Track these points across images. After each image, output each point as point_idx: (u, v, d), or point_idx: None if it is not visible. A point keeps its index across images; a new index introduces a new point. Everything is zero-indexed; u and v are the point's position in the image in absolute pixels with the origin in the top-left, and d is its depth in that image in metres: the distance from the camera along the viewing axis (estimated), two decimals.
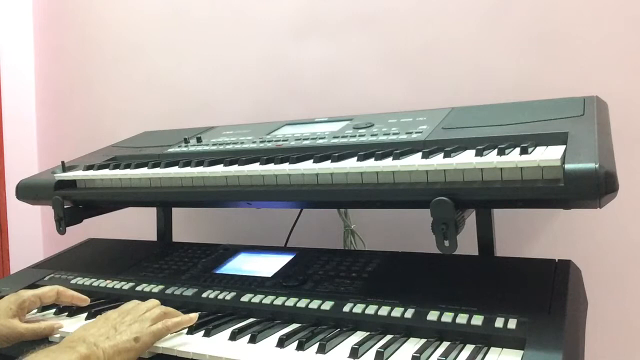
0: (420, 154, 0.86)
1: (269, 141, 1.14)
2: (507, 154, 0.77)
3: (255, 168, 0.94)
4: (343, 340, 0.80)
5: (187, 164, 1.05)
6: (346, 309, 0.87)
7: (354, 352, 0.74)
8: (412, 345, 0.77)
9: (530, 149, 0.79)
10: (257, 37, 1.61)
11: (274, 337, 0.81)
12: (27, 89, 1.96)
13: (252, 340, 0.81)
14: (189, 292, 1.02)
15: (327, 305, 0.89)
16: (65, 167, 1.24)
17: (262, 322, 0.89)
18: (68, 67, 1.97)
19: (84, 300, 1.02)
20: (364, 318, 0.84)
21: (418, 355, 0.71)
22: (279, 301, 0.93)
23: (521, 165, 0.74)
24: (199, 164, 1.04)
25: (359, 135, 1.06)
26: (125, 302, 0.93)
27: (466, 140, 0.91)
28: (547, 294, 0.82)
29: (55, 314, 1.03)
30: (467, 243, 0.93)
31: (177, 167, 1.06)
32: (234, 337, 0.83)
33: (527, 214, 1.27)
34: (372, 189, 0.85)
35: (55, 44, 1.98)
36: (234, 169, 0.96)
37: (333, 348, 0.77)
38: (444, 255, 0.85)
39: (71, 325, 0.95)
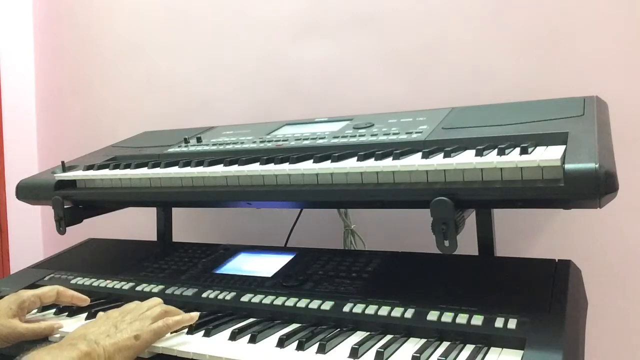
0: (420, 154, 0.86)
1: (269, 141, 1.14)
2: (507, 154, 0.77)
3: (255, 168, 0.94)
4: (343, 340, 0.80)
5: (187, 164, 1.05)
6: (346, 309, 0.87)
7: (354, 352, 0.74)
8: (412, 345, 0.77)
9: (530, 149, 0.79)
10: (257, 37, 1.61)
11: (274, 337, 0.81)
12: (27, 89, 1.96)
13: (252, 340, 0.81)
14: (189, 292, 1.02)
15: (327, 305, 0.89)
16: (65, 167, 1.24)
17: (262, 322, 0.89)
18: (68, 67, 1.97)
19: (84, 300, 1.02)
20: (364, 318, 0.84)
21: (418, 355, 0.71)
22: (279, 301, 0.93)
23: (521, 165, 0.74)
24: (199, 164, 1.04)
25: (359, 135, 1.06)
26: (125, 302, 0.94)
27: (466, 140, 0.91)
28: (547, 294, 0.82)
29: (55, 314, 1.03)
30: (467, 243, 0.93)
31: (177, 167, 1.06)
32: (234, 337, 0.83)
33: (527, 214, 1.27)
34: (372, 189, 0.85)
35: (55, 44, 1.98)
36: (234, 169, 0.96)
37: (333, 348, 0.77)
38: (444, 255, 0.85)
39: (71, 325, 0.94)
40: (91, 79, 1.92)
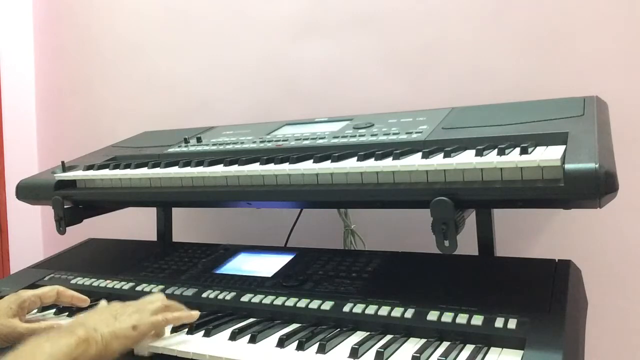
0: (420, 154, 0.86)
1: (269, 141, 1.14)
2: (507, 154, 0.77)
3: (255, 168, 0.94)
4: (343, 340, 0.80)
5: (187, 164, 1.05)
6: (346, 309, 0.87)
7: (354, 352, 0.74)
8: (412, 345, 0.77)
9: (530, 149, 0.79)
10: (257, 37, 1.61)
11: (274, 337, 0.81)
12: (27, 89, 1.96)
13: (252, 340, 0.81)
14: (189, 292, 1.02)
15: (327, 305, 0.89)
16: (65, 167, 1.24)
17: (262, 322, 0.89)
18: (68, 67, 1.97)
19: (84, 300, 1.02)
20: (364, 318, 0.84)
21: (418, 355, 0.71)
22: (279, 301, 0.93)
23: (521, 165, 0.74)
24: (199, 164, 1.04)
25: (359, 135, 1.06)
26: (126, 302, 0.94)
27: (466, 140, 0.91)
28: (547, 294, 0.82)
29: (55, 314, 1.03)
30: (467, 243, 0.92)
31: (177, 167, 1.06)
32: (234, 337, 0.83)
33: (527, 214, 1.27)
34: (372, 189, 0.85)
35: (55, 44, 1.98)
36: (234, 169, 0.96)
37: (333, 348, 0.77)
38: (444, 255, 0.85)
39: None
40: (91, 79, 1.92)
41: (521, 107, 1.05)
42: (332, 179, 0.89)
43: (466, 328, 0.77)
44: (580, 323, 0.81)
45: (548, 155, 0.75)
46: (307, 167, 0.90)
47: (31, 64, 1.96)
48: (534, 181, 0.73)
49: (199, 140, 1.27)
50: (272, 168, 0.92)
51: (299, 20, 1.54)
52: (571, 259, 0.93)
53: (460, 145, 0.88)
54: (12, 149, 1.97)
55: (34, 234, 1.93)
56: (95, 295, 1.07)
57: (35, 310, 1.03)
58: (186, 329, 0.87)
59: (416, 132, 1.00)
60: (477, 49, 1.33)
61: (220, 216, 1.66)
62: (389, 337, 0.80)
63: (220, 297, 0.98)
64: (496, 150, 0.79)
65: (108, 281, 1.13)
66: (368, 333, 0.81)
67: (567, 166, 0.70)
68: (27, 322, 0.94)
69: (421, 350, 0.73)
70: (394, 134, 1.02)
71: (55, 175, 1.20)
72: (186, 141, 1.29)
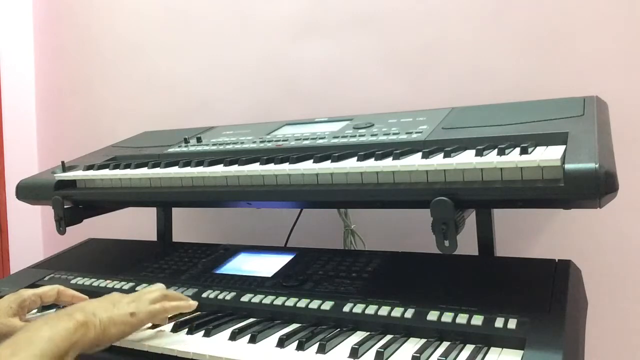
0: (420, 154, 0.86)
1: (269, 141, 1.14)
2: (507, 154, 0.77)
3: (255, 168, 0.94)
4: (343, 340, 0.80)
5: (187, 164, 1.05)
6: (346, 309, 0.87)
7: (354, 352, 0.74)
8: (412, 345, 0.77)
9: (530, 149, 0.79)
10: (257, 37, 1.61)
11: (274, 337, 0.81)
12: (27, 89, 1.96)
13: (252, 340, 0.81)
14: (189, 292, 1.02)
15: (327, 305, 0.89)
16: (65, 167, 1.24)
17: (262, 322, 0.89)
18: (68, 67, 1.97)
19: (84, 299, 1.02)
20: (364, 318, 0.84)
21: (418, 355, 0.71)
22: (279, 301, 0.93)
23: (521, 165, 0.74)
24: (199, 164, 1.04)
25: (359, 135, 1.06)
26: None
27: (466, 140, 0.91)
28: (547, 294, 0.82)
29: None
30: (467, 243, 0.93)
31: (177, 167, 1.06)
32: (234, 337, 0.83)
33: (527, 214, 1.27)
34: (372, 189, 0.85)
35: (55, 44, 1.98)
36: (234, 169, 0.96)
37: (333, 348, 0.77)
38: (444, 255, 0.85)
39: None
40: (91, 79, 1.92)
41: (521, 107, 1.05)
42: (332, 179, 0.89)
43: (466, 328, 0.77)
44: (580, 323, 0.81)
45: (548, 155, 0.75)
46: (307, 167, 0.90)
47: (31, 64, 1.96)
48: (534, 181, 0.73)
49: (199, 140, 1.27)
50: (272, 168, 0.92)
51: (299, 20, 1.54)
52: (571, 259, 0.93)
53: (460, 145, 0.88)
54: (12, 149, 1.97)
55: (34, 234, 1.93)
56: (96, 295, 1.06)
57: (35, 310, 1.03)
58: (186, 329, 0.87)
59: (416, 132, 1.00)
60: (477, 49, 1.33)
61: (220, 216, 1.66)
62: (389, 337, 0.80)
63: (220, 297, 0.98)
64: (496, 150, 0.79)
65: (108, 281, 1.13)
66: (368, 333, 0.81)
67: (567, 166, 0.70)
68: (27, 321, 0.94)
69: (421, 350, 0.73)
70: (394, 134, 1.02)
71: (55, 175, 1.20)
72: (186, 141, 1.29)
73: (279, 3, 1.57)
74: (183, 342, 0.84)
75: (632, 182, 1.11)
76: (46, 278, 1.21)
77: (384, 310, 0.84)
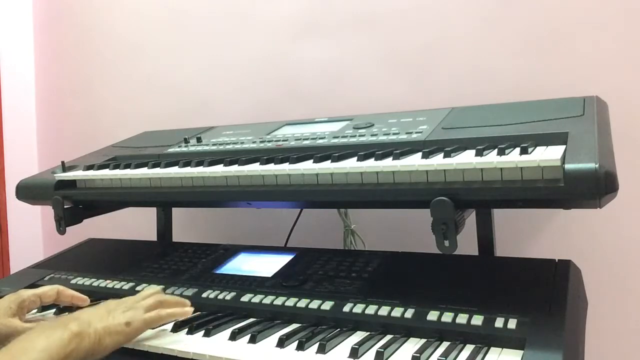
0: (420, 154, 0.86)
1: (269, 141, 1.14)
2: (507, 154, 0.77)
3: (255, 168, 0.94)
4: (343, 340, 0.80)
5: (187, 164, 1.05)
6: (346, 309, 0.87)
7: (354, 352, 0.74)
8: (412, 345, 0.77)
9: (530, 149, 0.79)
10: (257, 37, 1.61)
11: (274, 337, 0.81)
12: (27, 89, 1.96)
13: (252, 340, 0.81)
14: (189, 292, 1.02)
15: (327, 305, 0.89)
16: (65, 167, 1.24)
17: (262, 322, 0.89)
18: (68, 67, 1.97)
19: (84, 300, 1.02)
20: (364, 318, 0.84)
21: (418, 355, 0.71)
22: (279, 301, 0.93)
23: (521, 165, 0.74)
24: (199, 164, 1.04)
25: (359, 135, 1.06)
26: None
27: (466, 140, 0.91)
28: (547, 294, 0.82)
29: (55, 314, 1.03)
30: (467, 243, 0.93)
31: (177, 167, 1.06)
32: (234, 337, 0.83)
33: (527, 214, 1.27)
34: (372, 189, 0.85)
35: (55, 44, 1.98)
36: (234, 169, 0.96)
37: (333, 348, 0.77)
38: (444, 255, 0.85)
39: None
40: (91, 79, 1.92)
41: (521, 107, 1.05)
42: (332, 179, 0.89)
43: (466, 328, 0.77)
44: (580, 323, 0.81)
45: (548, 155, 0.75)
46: (307, 167, 0.90)
47: (31, 64, 1.96)
48: (534, 181, 0.73)
49: (199, 140, 1.27)
50: (272, 168, 0.92)
51: (299, 20, 1.54)
52: (571, 259, 0.93)
53: (460, 145, 0.88)
54: (12, 149, 1.97)
55: (34, 234, 1.93)
56: (95, 295, 1.07)
57: (35, 310, 1.03)
58: (186, 329, 0.87)
59: (416, 132, 1.00)
60: (477, 49, 1.33)
61: (220, 216, 1.66)
62: (389, 337, 0.80)
63: (220, 297, 0.98)
64: (496, 150, 0.79)
65: (108, 281, 1.13)
66: (368, 333, 0.81)
67: (567, 166, 0.70)
68: (27, 321, 0.94)
69: (421, 350, 0.73)
70: (394, 134, 1.02)
71: (55, 175, 1.20)
72: (186, 141, 1.29)
73: (279, 3, 1.57)
74: (183, 342, 0.84)
75: (632, 182, 1.11)
76: (46, 278, 1.21)
77: (384, 310, 0.84)
